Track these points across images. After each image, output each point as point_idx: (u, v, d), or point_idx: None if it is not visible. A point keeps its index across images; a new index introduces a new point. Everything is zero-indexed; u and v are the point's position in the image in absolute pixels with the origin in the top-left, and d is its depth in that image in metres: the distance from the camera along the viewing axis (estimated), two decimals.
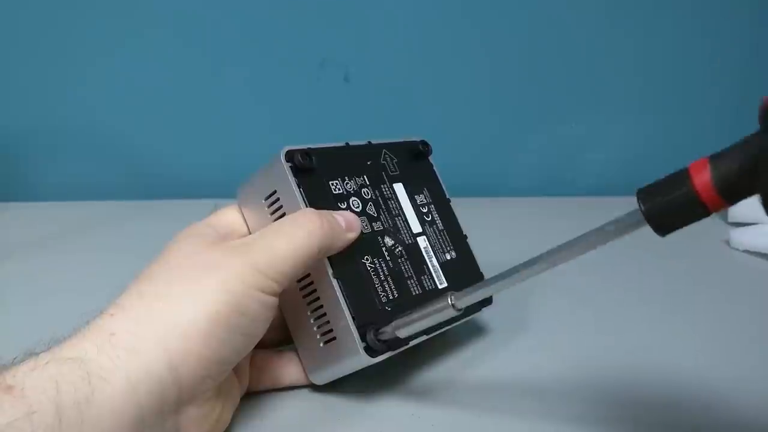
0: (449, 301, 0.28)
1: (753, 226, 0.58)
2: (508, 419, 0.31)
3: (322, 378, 0.32)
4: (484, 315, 0.41)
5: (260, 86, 0.72)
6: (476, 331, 0.40)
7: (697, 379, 0.34)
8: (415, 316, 0.29)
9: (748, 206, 0.60)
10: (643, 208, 0.20)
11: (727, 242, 0.56)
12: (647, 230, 0.21)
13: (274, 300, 0.27)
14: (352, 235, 0.31)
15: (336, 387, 0.33)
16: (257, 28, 0.69)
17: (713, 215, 0.20)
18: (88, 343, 0.23)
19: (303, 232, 0.28)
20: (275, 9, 0.68)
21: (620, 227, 0.22)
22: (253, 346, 0.28)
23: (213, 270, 0.26)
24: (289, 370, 0.33)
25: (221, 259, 0.27)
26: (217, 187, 0.69)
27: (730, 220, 0.61)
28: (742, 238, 0.55)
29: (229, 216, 0.32)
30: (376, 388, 0.33)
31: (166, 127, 0.73)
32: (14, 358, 0.23)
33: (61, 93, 0.70)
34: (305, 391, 0.33)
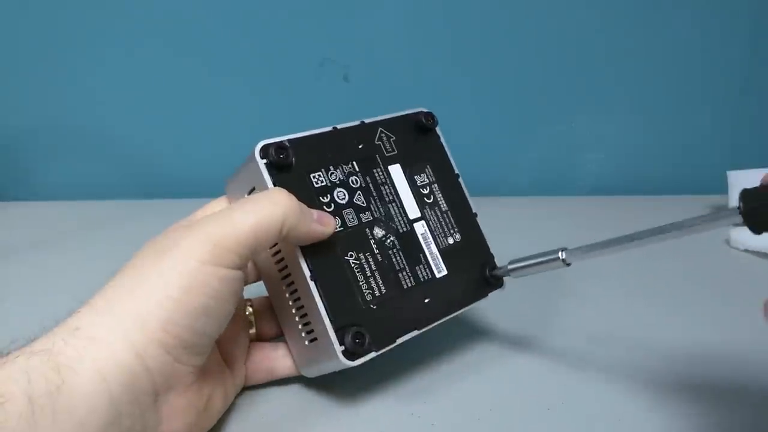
0: (560, 256, 0.30)
1: None
2: (508, 420, 0.31)
3: (311, 373, 0.32)
4: (486, 315, 0.41)
5: (260, 86, 0.72)
6: (478, 332, 0.40)
7: (697, 379, 0.34)
8: (527, 261, 0.32)
9: None
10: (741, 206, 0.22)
11: (727, 242, 0.56)
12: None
13: (235, 273, 0.26)
14: (320, 228, 0.29)
15: (335, 385, 0.33)
16: (257, 28, 0.69)
17: None
18: (55, 337, 0.24)
19: (268, 202, 0.27)
20: (275, 9, 0.68)
21: (717, 217, 0.24)
22: (225, 326, 0.27)
23: (167, 252, 0.26)
24: (285, 363, 0.33)
25: (176, 239, 0.26)
26: (217, 186, 0.69)
27: None
28: (742, 237, 0.55)
29: (215, 208, 0.32)
30: (376, 387, 0.33)
31: (166, 127, 0.73)
32: None
33: (61, 93, 0.70)
34: (303, 389, 0.33)
